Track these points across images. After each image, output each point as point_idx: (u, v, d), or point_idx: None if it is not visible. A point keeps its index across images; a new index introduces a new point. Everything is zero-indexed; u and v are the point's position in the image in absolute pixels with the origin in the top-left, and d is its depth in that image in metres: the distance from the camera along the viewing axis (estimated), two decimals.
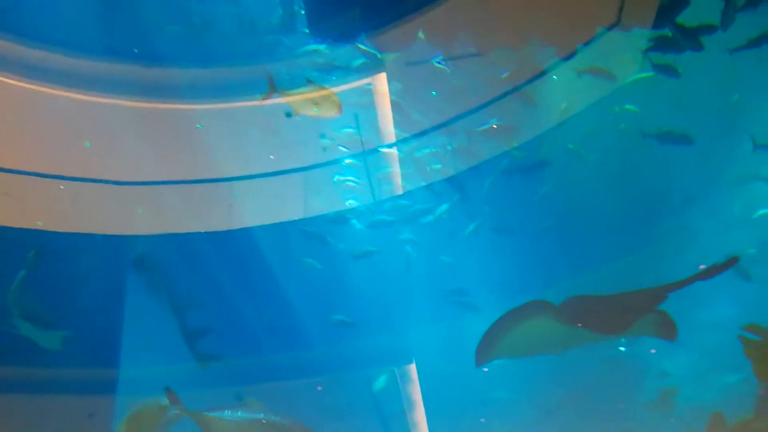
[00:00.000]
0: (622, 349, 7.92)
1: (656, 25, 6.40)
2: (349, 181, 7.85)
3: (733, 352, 6.95)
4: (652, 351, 7.84)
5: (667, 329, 5.25)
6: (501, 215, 7.54)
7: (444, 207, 7.53)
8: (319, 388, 7.77)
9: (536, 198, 7.37)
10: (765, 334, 6.20)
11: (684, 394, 8.03)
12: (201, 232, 7.51)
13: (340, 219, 7.86)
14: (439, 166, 7.68)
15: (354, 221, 7.80)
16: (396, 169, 7.81)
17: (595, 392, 8.05)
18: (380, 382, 7.73)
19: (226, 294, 7.76)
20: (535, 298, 7.25)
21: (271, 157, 7.58)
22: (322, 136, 7.50)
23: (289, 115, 7.18)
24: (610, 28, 6.47)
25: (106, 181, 7.09)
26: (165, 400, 5.60)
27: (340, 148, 7.52)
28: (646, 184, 7.44)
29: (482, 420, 7.91)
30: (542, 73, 7.00)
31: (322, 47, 6.84)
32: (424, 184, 7.77)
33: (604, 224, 7.55)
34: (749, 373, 6.56)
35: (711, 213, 7.52)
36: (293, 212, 7.86)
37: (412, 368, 7.98)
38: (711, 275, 5.11)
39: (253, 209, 7.73)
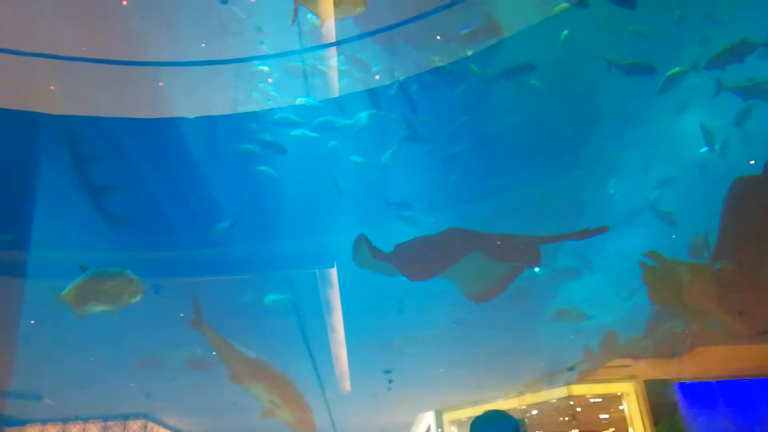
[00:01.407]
0: (537, 270, 8.17)
1: None
2: (282, 78, 7.65)
3: (634, 279, 7.80)
4: (564, 273, 8.45)
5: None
6: (434, 126, 7.60)
7: (373, 113, 7.50)
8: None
9: (475, 110, 7.46)
10: (662, 261, 7.22)
11: (585, 315, 8.71)
12: (121, 118, 7.27)
13: (271, 118, 7.72)
14: (379, 70, 7.61)
15: (285, 121, 7.62)
16: (334, 70, 7.63)
17: (507, 306, 8.13)
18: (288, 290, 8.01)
19: (145, 184, 7.62)
20: (458, 213, 8.02)
21: (203, 45, 7.31)
22: (259, 28, 7.21)
23: (225, 1, 6.94)
24: None
25: (16, 52, 6.72)
26: (132, 276, 6.38)
27: (275, 43, 7.34)
28: (580, 107, 7.52)
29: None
30: None
31: None
32: (362, 89, 7.67)
33: (534, 145, 7.72)
34: (645, 297, 7.60)
35: (640, 144, 7.75)
36: (222, 106, 7.71)
37: (333, 272, 8.11)
38: (583, 237, 6.05)
39: (178, 99, 7.52)
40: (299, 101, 7.34)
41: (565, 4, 6.66)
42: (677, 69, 6.69)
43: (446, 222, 7.50)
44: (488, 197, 7.93)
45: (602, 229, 6.05)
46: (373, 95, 7.67)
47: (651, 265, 7.25)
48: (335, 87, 7.82)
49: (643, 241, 8.07)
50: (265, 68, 7.47)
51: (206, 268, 7.80)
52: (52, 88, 7.11)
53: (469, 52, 7.28)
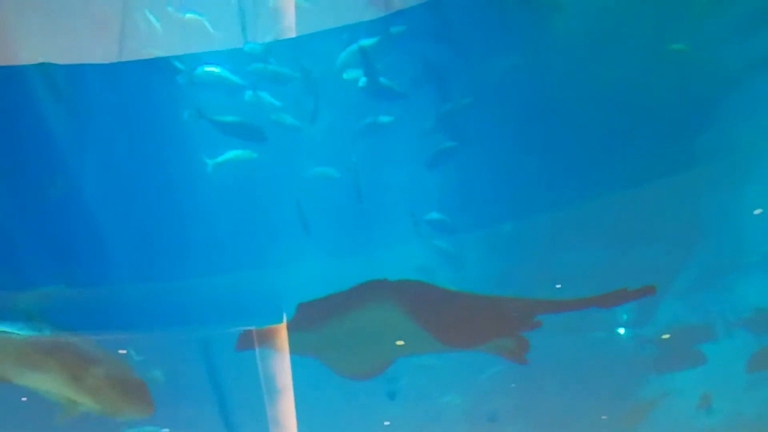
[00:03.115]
0: (621, 331, 7.23)
1: None
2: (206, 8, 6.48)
3: None
4: (665, 337, 7.23)
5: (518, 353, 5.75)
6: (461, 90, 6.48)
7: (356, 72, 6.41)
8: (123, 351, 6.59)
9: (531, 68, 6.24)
10: None
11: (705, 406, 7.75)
12: None
13: (185, 70, 6.53)
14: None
15: (212, 74, 6.53)
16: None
17: (568, 392, 7.49)
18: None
19: None
20: (502, 233, 6.90)
21: None
22: None
23: None
24: None
25: None
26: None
27: None
28: (681, 72, 6.19)
29: (386, 423, 7.30)
30: None
31: None
32: (331, 26, 6.56)
33: (609, 132, 6.54)
34: None
35: None
36: (101, 50, 6.44)
37: (281, 331, 6.61)
38: (615, 303, 5.55)
39: (29, 35, 6.30)
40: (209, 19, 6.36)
41: None
42: None
43: (486, 246, 6.79)
44: (549, 209, 6.76)
45: (647, 291, 5.68)
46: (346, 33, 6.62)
47: None
48: (289, 21, 6.68)
49: None
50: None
51: (68, 317, 6.44)
52: None
53: None
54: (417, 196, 7.11)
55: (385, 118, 6.68)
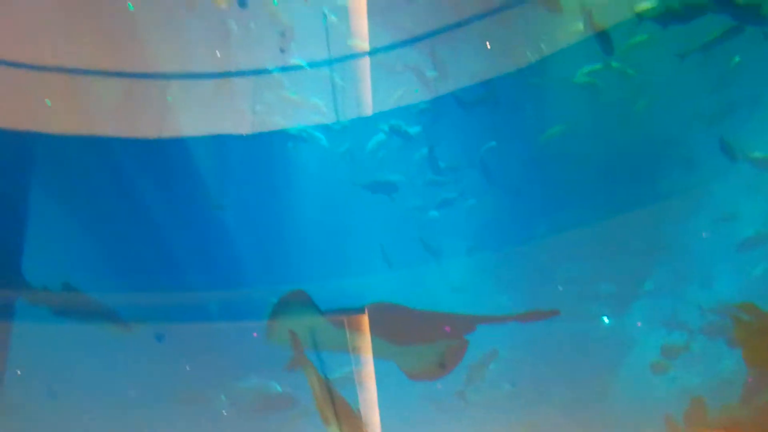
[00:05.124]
0: (606, 319, 8.45)
1: None
2: (310, 94, 8.04)
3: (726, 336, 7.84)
4: (638, 324, 8.44)
5: (454, 356, 6.42)
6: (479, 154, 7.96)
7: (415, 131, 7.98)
8: (255, 335, 7.91)
9: (522, 137, 7.79)
10: (759, 315, 7.07)
11: (666, 375, 8.52)
12: (124, 138, 7.59)
13: (296, 138, 8.23)
14: (416, 85, 7.97)
15: (314, 141, 8.11)
16: (367, 85, 7.94)
17: (563, 369, 8.51)
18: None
19: (149, 213, 7.95)
20: (509, 253, 8.27)
21: (218, 54, 7.68)
22: (282, 34, 7.61)
23: (243, 4, 7.33)
24: None
25: (8, 63, 7.01)
26: None
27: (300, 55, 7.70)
28: (648, 129, 7.67)
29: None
30: None
31: None
32: (399, 105, 8.04)
33: (597, 173, 7.95)
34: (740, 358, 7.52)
35: (723, 174, 7.75)
36: (238, 124, 8.02)
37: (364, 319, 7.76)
38: (530, 320, 6.47)
39: (189, 116, 7.86)
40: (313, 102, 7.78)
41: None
42: None
43: (495, 263, 8.06)
44: (544, 236, 8.17)
45: (553, 313, 6.53)
46: (408, 113, 8.19)
47: (745, 321, 7.19)
48: (368, 103, 8.11)
49: (739, 289, 8.09)
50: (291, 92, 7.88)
51: (214, 312, 7.90)
52: (48, 103, 7.39)
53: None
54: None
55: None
